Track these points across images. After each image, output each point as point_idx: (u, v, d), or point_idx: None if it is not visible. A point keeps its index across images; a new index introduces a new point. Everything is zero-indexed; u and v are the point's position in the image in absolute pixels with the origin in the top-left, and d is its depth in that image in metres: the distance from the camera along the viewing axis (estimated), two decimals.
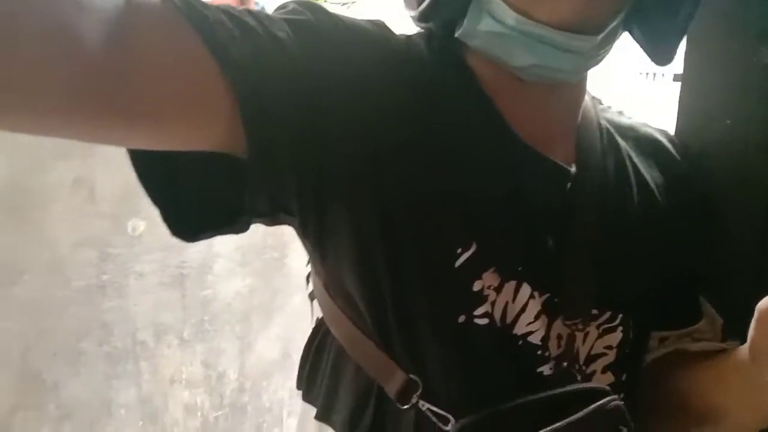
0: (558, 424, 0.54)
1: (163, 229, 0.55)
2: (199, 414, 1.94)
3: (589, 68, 0.60)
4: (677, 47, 0.61)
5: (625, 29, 0.60)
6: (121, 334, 1.72)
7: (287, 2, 0.56)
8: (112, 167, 1.56)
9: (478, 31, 0.57)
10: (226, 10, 0.50)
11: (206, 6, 0.48)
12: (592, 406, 0.56)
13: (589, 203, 0.63)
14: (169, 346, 1.83)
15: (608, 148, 0.66)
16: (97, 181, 1.58)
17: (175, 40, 0.46)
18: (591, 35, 0.54)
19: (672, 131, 0.76)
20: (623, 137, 0.69)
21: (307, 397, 0.69)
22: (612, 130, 0.69)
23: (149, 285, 1.75)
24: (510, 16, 0.54)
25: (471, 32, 0.58)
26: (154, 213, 0.55)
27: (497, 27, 0.55)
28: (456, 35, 0.59)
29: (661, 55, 0.61)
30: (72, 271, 1.60)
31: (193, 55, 0.46)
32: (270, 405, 2.11)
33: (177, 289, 1.81)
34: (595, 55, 0.57)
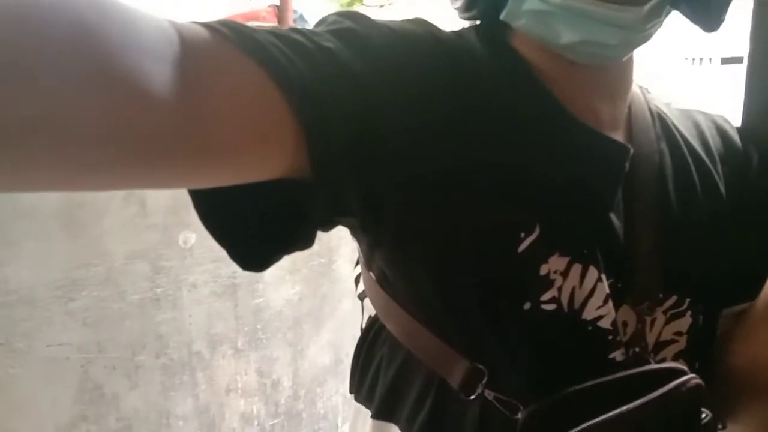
0: (633, 403, 0.52)
1: (213, 241, 0.54)
2: (255, 423, 1.96)
3: (636, 45, 0.58)
4: (726, 10, 0.60)
5: (672, 7, 0.59)
6: (177, 346, 1.75)
7: (327, 16, 0.56)
8: None
9: (523, 11, 0.56)
10: (273, 32, 0.48)
11: (255, 30, 0.47)
12: (671, 384, 0.54)
13: (649, 184, 0.62)
14: (223, 356, 1.85)
15: (661, 133, 0.66)
16: (148, 195, 1.61)
17: (234, 72, 0.44)
18: (636, 6, 0.54)
19: (729, 114, 0.74)
20: (676, 124, 0.68)
21: (359, 398, 0.69)
22: (664, 116, 0.68)
23: (202, 296, 1.77)
24: None
25: (516, 12, 0.57)
26: None
27: (541, 5, 0.55)
28: (501, 17, 0.59)
29: (710, 21, 0.60)
30: (127, 285, 1.63)
31: (254, 83, 0.45)
32: (325, 412, 2.12)
33: (229, 299, 1.83)
34: (641, 30, 0.56)
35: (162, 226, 1.66)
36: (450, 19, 0.65)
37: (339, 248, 2.05)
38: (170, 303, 1.72)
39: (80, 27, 0.35)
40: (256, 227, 0.53)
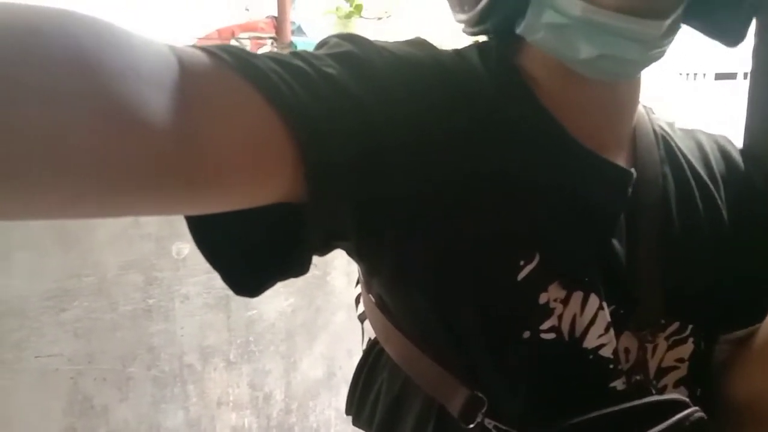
0: None
1: None
2: None
3: (653, 60, 0.58)
4: (748, 25, 0.59)
5: (685, 22, 0.58)
6: (168, 358, 1.73)
7: (328, 38, 0.56)
8: None
9: (541, 24, 0.55)
10: (273, 57, 0.48)
11: (255, 56, 0.47)
12: (674, 417, 0.53)
13: (652, 209, 0.61)
14: (215, 368, 1.84)
15: (665, 155, 0.65)
16: None
17: (233, 98, 0.44)
18: (658, 20, 0.53)
19: (724, 131, 0.74)
20: (680, 145, 0.67)
21: (357, 422, 0.68)
22: (668, 137, 0.67)
23: (194, 308, 1.76)
24: (574, 5, 0.52)
25: (533, 26, 0.56)
26: None
27: (560, 18, 0.53)
28: (517, 31, 0.57)
29: (731, 36, 0.59)
30: (119, 296, 1.62)
31: (253, 109, 0.45)
32: (317, 426, 2.10)
33: (222, 311, 1.82)
34: (659, 46, 0.55)
35: (155, 236, 1.65)
36: (450, 31, 0.64)
37: (333, 260, 2.04)
38: (162, 314, 1.70)
39: (78, 54, 0.35)
40: (250, 252, 0.52)
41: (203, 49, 0.45)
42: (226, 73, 0.44)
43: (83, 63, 0.35)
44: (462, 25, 0.63)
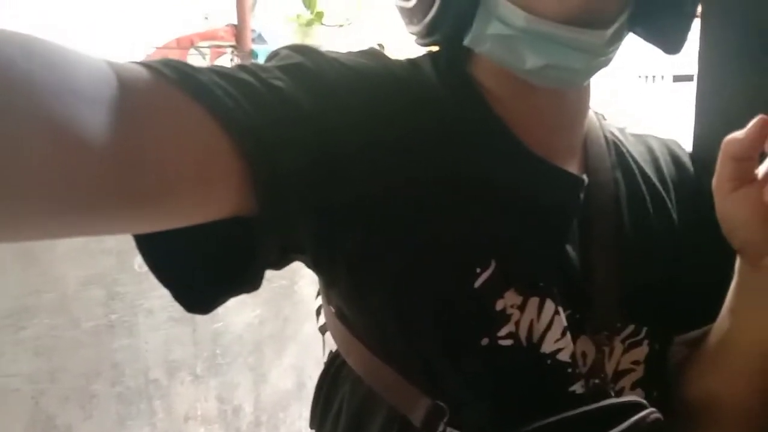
0: None
1: None
2: None
3: (598, 68, 0.59)
4: (687, 33, 0.62)
5: (630, 30, 0.60)
6: (133, 374, 1.71)
7: (278, 49, 0.56)
8: None
9: (487, 35, 0.56)
10: (217, 71, 0.48)
11: (198, 70, 0.46)
12: (632, 419, 0.54)
13: (604, 214, 0.62)
14: (182, 382, 1.81)
15: (616, 161, 0.66)
16: None
17: (175, 114, 0.44)
18: (600, 29, 0.54)
19: (678, 133, 0.75)
20: (631, 151, 0.69)
21: None
22: (618, 143, 0.69)
23: (159, 322, 1.74)
24: (518, 16, 0.54)
25: (480, 37, 0.57)
26: None
27: (506, 30, 0.55)
28: (465, 42, 0.58)
29: (671, 44, 0.62)
30: (80, 312, 1.59)
31: (197, 125, 0.44)
32: None
33: (187, 324, 1.80)
34: (604, 53, 0.57)
35: (116, 250, 1.63)
36: (411, 38, 0.65)
37: (301, 269, 2.01)
38: (126, 329, 1.68)
39: (8, 71, 0.34)
40: (201, 268, 0.52)
41: (143, 64, 0.45)
42: (167, 88, 0.44)
43: (15, 82, 0.35)
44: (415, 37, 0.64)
